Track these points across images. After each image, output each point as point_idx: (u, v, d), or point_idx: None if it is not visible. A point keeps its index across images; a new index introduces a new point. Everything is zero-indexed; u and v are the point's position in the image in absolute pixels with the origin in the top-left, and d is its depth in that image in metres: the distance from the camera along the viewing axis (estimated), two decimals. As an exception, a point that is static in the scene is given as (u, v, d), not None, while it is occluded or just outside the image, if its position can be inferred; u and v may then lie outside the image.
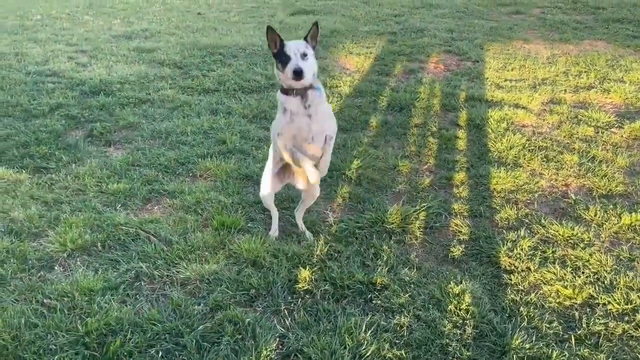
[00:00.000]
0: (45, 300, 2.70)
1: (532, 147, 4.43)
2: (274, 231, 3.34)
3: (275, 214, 3.35)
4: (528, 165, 4.16)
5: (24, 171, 4.01)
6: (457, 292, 2.78)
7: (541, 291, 2.85)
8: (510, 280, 2.92)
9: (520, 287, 2.87)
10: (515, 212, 3.54)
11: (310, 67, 2.68)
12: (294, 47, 2.66)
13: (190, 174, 4.05)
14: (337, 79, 6.17)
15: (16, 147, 4.37)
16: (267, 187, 3.14)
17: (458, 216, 3.52)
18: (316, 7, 10.20)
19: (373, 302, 2.75)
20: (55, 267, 2.99)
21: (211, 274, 2.92)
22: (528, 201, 3.70)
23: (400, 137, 4.72)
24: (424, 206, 3.56)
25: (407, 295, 2.77)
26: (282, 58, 2.66)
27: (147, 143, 4.55)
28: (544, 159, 4.25)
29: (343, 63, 6.89)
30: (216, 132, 4.72)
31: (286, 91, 2.77)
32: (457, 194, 3.79)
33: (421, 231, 3.37)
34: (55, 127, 4.77)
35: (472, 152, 4.40)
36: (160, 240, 3.23)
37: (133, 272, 2.95)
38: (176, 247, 3.14)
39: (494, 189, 3.83)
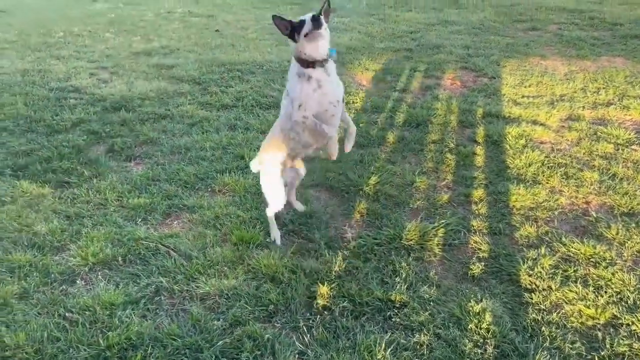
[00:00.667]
0: (67, 314, 2.73)
1: (551, 164, 4.40)
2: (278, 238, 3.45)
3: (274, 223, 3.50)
4: (547, 183, 4.13)
5: (46, 185, 4.08)
6: (477, 310, 2.75)
7: (563, 311, 2.81)
8: (532, 299, 2.89)
9: (541, 306, 2.84)
10: (535, 229, 3.51)
11: (326, 32, 2.84)
12: (307, 15, 2.78)
13: (209, 189, 4.09)
14: (354, 95, 6.21)
15: (39, 162, 4.45)
16: (282, 196, 3.30)
17: (477, 233, 3.50)
18: (332, 24, 10.30)
19: (392, 319, 2.74)
20: (77, 281, 3.02)
21: (230, 289, 2.94)
22: (548, 219, 3.66)
23: (417, 153, 4.72)
24: (443, 223, 3.55)
25: (426, 313, 2.75)
26: (297, 28, 2.80)
27: (167, 158, 4.61)
28: (564, 176, 4.22)
29: (359, 79, 6.93)
30: (234, 147, 4.76)
31: (309, 64, 2.86)
32: (476, 211, 3.77)
33: (440, 248, 3.35)
34: (77, 142, 4.86)
35: (490, 169, 4.38)
36: (179, 255, 3.26)
37: (153, 286, 2.98)
38: (195, 262, 3.17)
39: (513, 206, 3.81)
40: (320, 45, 2.85)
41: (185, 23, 10.68)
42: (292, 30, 2.85)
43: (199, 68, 7.28)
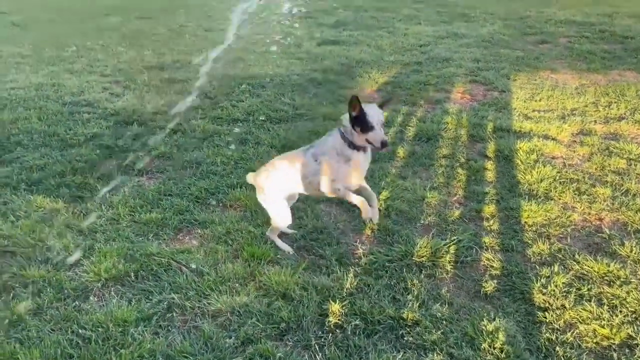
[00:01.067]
0: (80, 331, 2.74)
1: (563, 180, 4.38)
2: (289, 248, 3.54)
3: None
4: (559, 198, 4.11)
5: (60, 200, 4.11)
6: (490, 329, 2.73)
7: (577, 330, 2.78)
8: (545, 318, 2.86)
9: (555, 325, 2.81)
10: (548, 246, 3.49)
11: None
12: (376, 116, 3.06)
13: (221, 204, 4.11)
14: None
15: (53, 177, 4.49)
16: (288, 215, 3.46)
17: (489, 250, 3.48)
18: (342, 38, 10.36)
19: (404, 338, 2.73)
20: (90, 297, 3.04)
21: (242, 306, 2.94)
22: (561, 235, 3.64)
23: (428, 168, 4.72)
24: (454, 239, 3.54)
25: (439, 332, 2.73)
26: (363, 124, 3.05)
27: (178, 173, 4.64)
28: (576, 192, 4.19)
29: (369, 93, 6.96)
30: (245, 162, 4.79)
31: (355, 147, 3.15)
32: (488, 227, 3.76)
33: (452, 265, 3.34)
34: (90, 156, 4.91)
35: (501, 184, 4.36)
36: (191, 270, 3.27)
37: (165, 303, 2.99)
38: (207, 278, 3.18)
39: (525, 222, 3.79)
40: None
41: (196, 37, 10.78)
42: (361, 118, 3.05)
43: (209, 82, 7.34)
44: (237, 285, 3.13)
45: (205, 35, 10.88)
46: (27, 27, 11.90)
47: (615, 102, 6.30)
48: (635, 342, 2.69)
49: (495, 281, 3.17)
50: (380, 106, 3.17)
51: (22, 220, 3.81)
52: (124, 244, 3.52)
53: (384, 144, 3.04)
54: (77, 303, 2.99)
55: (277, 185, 3.40)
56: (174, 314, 2.92)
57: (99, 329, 2.75)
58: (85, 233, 3.69)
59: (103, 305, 2.97)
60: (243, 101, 6.53)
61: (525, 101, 6.44)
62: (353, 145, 3.16)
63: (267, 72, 7.89)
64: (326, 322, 2.84)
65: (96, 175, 4.54)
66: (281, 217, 3.45)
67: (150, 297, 3.03)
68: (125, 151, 5.06)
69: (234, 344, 2.69)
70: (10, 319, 2.84)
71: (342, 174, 3.21)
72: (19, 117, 5.88)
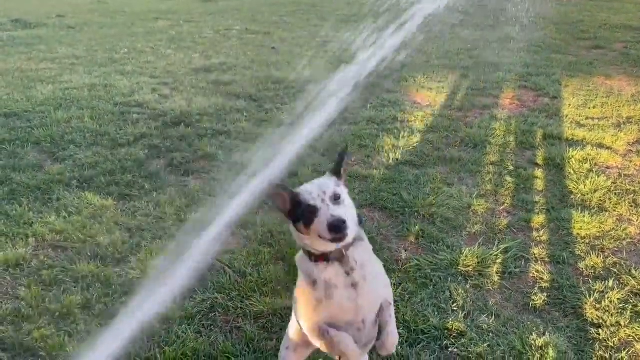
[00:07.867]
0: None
1: (619, 191, 4.19)
2: None
3: None
4: (614, 210, 3.93)
5: (109, 197, 4.22)
6: (540, 344, 2.63)
7: (633, 349, 2.64)
8: (599, 335, 2.73)
9: (609, 343, 2.68)
10: (602, 260, 3.33)
11: (350, 213, 1.79)
12: (317, 190, 1.76)
13: (264, 206, 4.12)
14: (409, 114, 6.15)
15: (103, 175, 4.62)
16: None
17: (539, 262, 3.36)
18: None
19: (449, 349, 2.66)
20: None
21: (284, 309, 2.93)
22: (616, 249, 3.47)
23: (474, 175, 4.60)
24: (502, 249, 3.43)
25: (485, 345, 2.65)
26: (302, 213, 1.75)
27: (223, 174, 4.69)
28: (632, 204, 4.00)
29: (414, 97, 6.87)
30: (288, 165, 4.79)
31: (317, 257, 1.82)
32: (537, 238, 3.63)
33: (499, 276, 3.23)
34: (139, 156, 5.02)
35: (552, 194, 4.21)
36: (234, 271, 3.29)
37: (209, 302, 3.02)
38: (250, 279, 3.19)
39: (578, 234, 3.64)
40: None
41: (242, 40, 10.94)
42: (296, 207, 1.78)
43: (255, 85, 7.42)
44: (279, 287, 3.13)
45: (251, 38, 11.02)
46: (82, 30, 12.36)
47: (675, 111, 6.00)
48: (698, 365, 2.53)
49: (545, 294, 3.05)
50: (337, 172, 1.89)
51: (73, 216, 3.93)
52: (169, 243, 3.58)
53: (334, 227, 1.67)
54: (124, 299, 3.06)
55: None
56: (217, 313, 2.94)
57: (144, 326, 2.79)
58: (133, 230, 3.78)
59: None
60: (287, 104, 6.56)
61: (577, 108, 6.21)
62: (311, 255, 1.84)
63: (311, 75, 7.90)
64: (368, 329, 2.80)
65: (144, 174, 4.65)
66: None
67: (194, 296, 3.06)
68: (172, 151, 5.16)
69: (275, 346, 2.68)
70: (61, 312, 2.93)
71: (312, 306, 1.86)
72: (72, 117, 6.09)
